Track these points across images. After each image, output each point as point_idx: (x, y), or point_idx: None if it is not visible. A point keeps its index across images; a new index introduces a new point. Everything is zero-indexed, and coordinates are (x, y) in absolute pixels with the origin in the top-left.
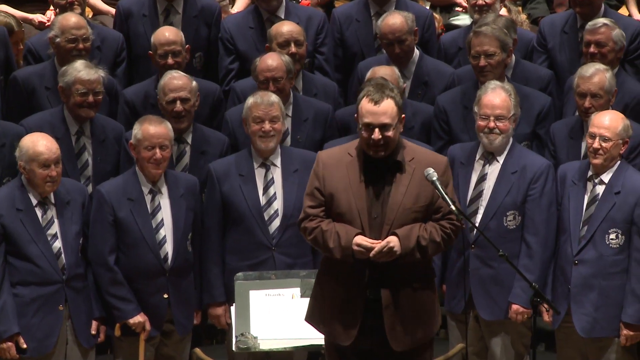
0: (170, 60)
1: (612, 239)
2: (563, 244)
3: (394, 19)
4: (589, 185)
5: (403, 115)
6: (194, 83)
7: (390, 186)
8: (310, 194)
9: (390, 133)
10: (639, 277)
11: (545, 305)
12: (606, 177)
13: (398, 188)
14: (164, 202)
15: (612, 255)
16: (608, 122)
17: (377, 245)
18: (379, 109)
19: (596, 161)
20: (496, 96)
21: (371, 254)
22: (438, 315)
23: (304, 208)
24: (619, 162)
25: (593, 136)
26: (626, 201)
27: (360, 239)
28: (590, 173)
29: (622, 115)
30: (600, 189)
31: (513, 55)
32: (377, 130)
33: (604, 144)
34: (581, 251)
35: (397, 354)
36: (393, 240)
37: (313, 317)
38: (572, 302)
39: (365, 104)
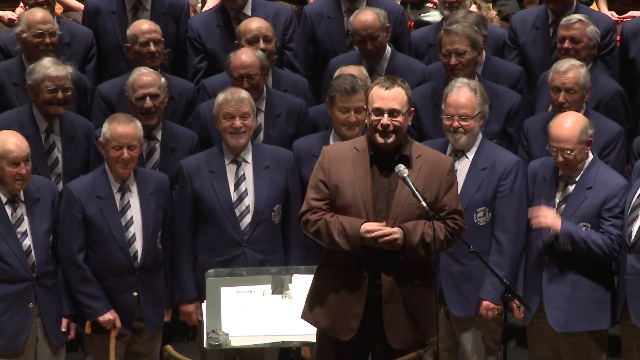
0: (152, 48)
1: None
2: (534, 240)
3: (366, 16)
4: (560, 184)
5: (412, 109)
6: (163, 79)
7: (395, 181)
8: (314, 187)
9: (399, 119)
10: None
11: (516, 302)
12: (577, 175)
13: (404, 183)
14: (134, 200)
15: None
16: (565, 134)
17: (387, 229)
18: (389, 94)
19: (566, 172)
20: (461, 95)
21: (375, 234)
22: (437, 319)
23: (307, 200)
24: (590, 158)
25: (554, 150)
26: (597, 196)
27: (368, 225)
28: (561, 173)
29: (577, 117)
30: (571, 187)
31: (484, 51)
32: (386, 115)
33: (567, 156)
34: (552, 246)
35: (393, 352)
36: (398, 231)
37: (310, 313)
38: (544, 298)
39: (376, 90)
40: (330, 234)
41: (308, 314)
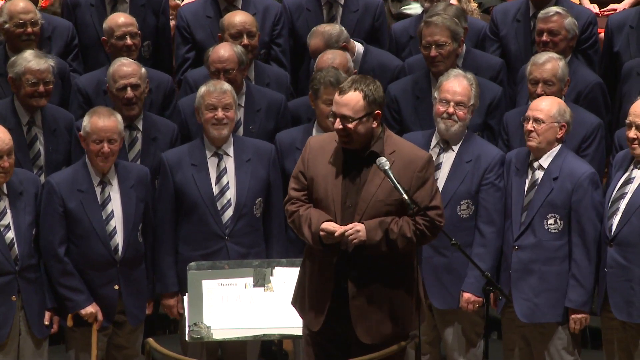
0: (128, 41)
1: (550, 224)
2: (506, 230)
3: (316, 44)
4: (529, 171)
5: (378, 112)
6: (143, 70)
7: (366, 177)
8: (295, 177)
9: (350, 125)
10: (578, 262)
11: (498, 294)
12: (545, 162)
13: (373, 180)
14: (114, 193)
15: (551, 240)
16: (542, 105)
17: (342, 228)
18: (342, 100)
19: (530, 143)
20: (458, 83)
21: (336, 234)
22: (418, 313)
23: (288, 190)
24: (558, 147)
25: (528, 119)
26: (564, 187)
27: (326, 224)
28: (530, 158)
29: (560, 100)
30: (539, 175)
31: (464, 44)
32: (338, 119)
33: (536, 126)
34: (520, 236)
35: (372, 345)
36: (360, 226)
37: (296, 302)
38: (512, 288)
39: (336, 93)
40: (301, 226)
41: (294, 302)
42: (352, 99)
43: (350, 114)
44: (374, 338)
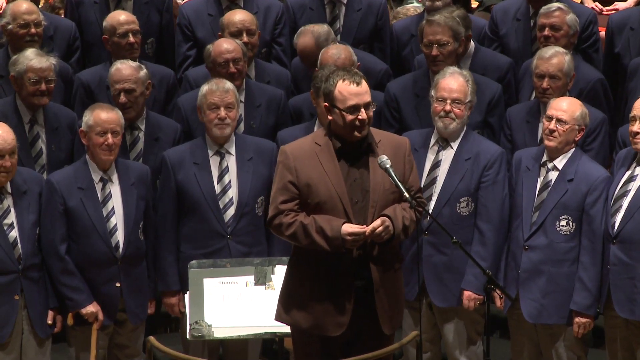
0: (131, 39)
1: (562, 226)
2: (515, 229)
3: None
4: (542, 171)
5: None
6: (142, 72)
7: (366, 169)
8: (282, 189)
9: (371, 111)
10: (586, 265)
11: (499, 292)
12: (560, 163)
13: (375, 170)
14: (115, 190)
15: (562, 242)
16: (566, 106)
17: (369, 227)
18: (362, 89)
19: (550, 144)
20: (454, 81)
21: (367, 232)
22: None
23: (275, 205)
24: (573, 149)
25: (550, 118)
26: (578, 189)
27: (349, 228)
28: (544, 158)
29: (580, 102)
30: (553, 175)
31: (472, 43)
32: (363, 110)
33: (559, 127)
34: (532, 237)
35: (381, 339)
36: (388, 220)
37: (287, 314)
38: (520, 287)
39: (347, 87)
40: (310, 236)
41: (284, 316)
42: (367, 87)
43: (370, 99)
44: (393, 327)
